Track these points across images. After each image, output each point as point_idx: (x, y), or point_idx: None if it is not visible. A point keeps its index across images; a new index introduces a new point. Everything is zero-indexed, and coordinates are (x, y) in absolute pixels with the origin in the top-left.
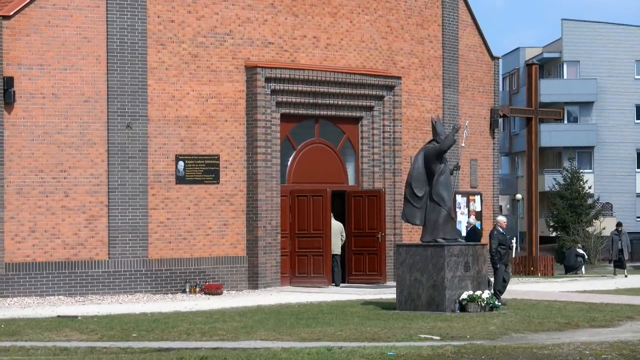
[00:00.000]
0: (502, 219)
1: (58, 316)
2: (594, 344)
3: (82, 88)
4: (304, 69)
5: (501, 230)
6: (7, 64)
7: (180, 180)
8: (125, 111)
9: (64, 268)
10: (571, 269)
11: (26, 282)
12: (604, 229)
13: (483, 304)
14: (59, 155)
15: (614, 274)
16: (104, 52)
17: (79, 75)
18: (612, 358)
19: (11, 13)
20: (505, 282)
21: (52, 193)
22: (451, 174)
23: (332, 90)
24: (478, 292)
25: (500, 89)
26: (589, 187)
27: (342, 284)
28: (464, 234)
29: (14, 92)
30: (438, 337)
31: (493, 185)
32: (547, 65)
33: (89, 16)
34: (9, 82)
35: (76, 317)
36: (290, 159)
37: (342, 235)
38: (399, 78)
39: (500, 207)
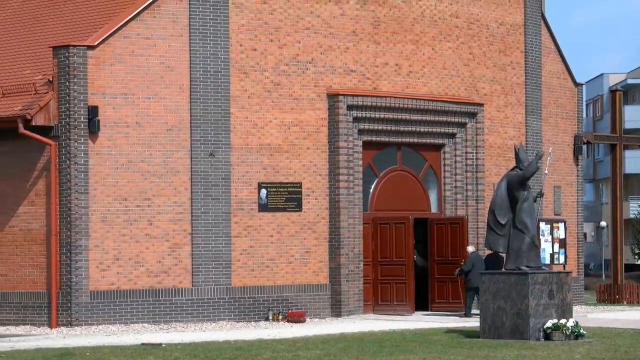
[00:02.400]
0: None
1: (142, 344)
2: None
3: (166, 117)
4: (386, 97)
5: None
6: (92, 93)
7: (263, 208)
8: (208, 139)
9: (148, 296)
10: None
11: (111, 310)
12: None
13: (568, 333)
14: (142, 183)
15: None
16: (187, 81)
17: (162, 104)
18: None
19: (96, 43)
20: None
21: (136, 221)
22: (535, 201)
23: (414, 117)
24: (563, 321)
25: (584, 115)
26: None
27: (423, 312)
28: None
29: (98, 121)
30: None
31: (577, 213)
32: (631, 91)
33: (172, 45)
34: (93, 111)
35: (160, 344)
36: (373, 186)
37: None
38: (481, 105)
39: (585, 234)
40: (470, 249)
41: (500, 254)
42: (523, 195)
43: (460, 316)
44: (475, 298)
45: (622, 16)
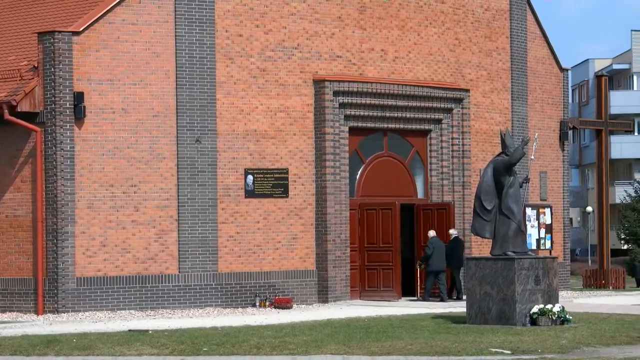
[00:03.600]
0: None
1: (129, 330)
2: None
3: (152, 103)
4: (372, 82)
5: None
6: (77, 79)
7: (250, 194)
8: (195, 125)
9: (135, 282)
10: None
11: (97, 297)
12: None
13: (554, 318)
14: (129, 169)
15: None
16: (173, 67)
17: (148, 90)
18: None
19: (81, 29)
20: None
21: (123, 207)
22: (521, 186)
23: (401, 103)
24: (549, 306)
25: (570, 100)
26: None
27: (410, 298)
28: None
29: (84, 107)
30: (509, 352)
31: (563, 198)
32: (616, 77)
33: (157, 31)
34: (79, 97)
35: (147, 331)
36: (359, 172)
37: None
38: (467, 91)
39: (571, 219)
40: (432, 233)
41: (460, 239)
42: (509, 180)
43: (419, 300)
44: (437, 281)
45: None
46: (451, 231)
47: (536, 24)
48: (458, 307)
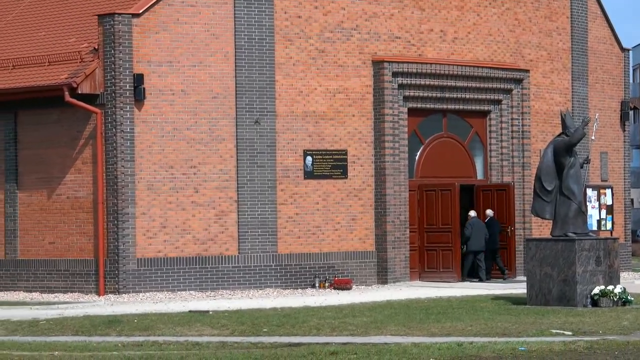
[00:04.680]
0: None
1: (189, 311)
2: None
3: (211, 84)
4: (431, 63)
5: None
6: (137, 61)
7: (309, 175)
8: (254, 107)
9: (195, 263)
10: None
11: (158, 278)
12: None
13: (615, 299)
14: (188, 151)
15: None
16: (232, 49)
17: (207, 71)
18: None
19: (140, 11)
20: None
21: (182, 189)
22: (581, 167)
23: (460, 84)
24: (610, 287)
25: (631, 80)
26: None
27: (470, 279)
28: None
29: (144, 89)
30: (570, 333)
31: (624, 179)
32: None
33: (216, 13)
34: (139, 79)
35: (207, 312)
36: (418, 153)
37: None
38: (527, 71)
39: (632, 200)
40: (472, 213)
41: (495, 220)
42: (569, 161)
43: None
44: (477, 262)
45: None
46: (488, 211)
47: (597, 3)
48: (518, 288)
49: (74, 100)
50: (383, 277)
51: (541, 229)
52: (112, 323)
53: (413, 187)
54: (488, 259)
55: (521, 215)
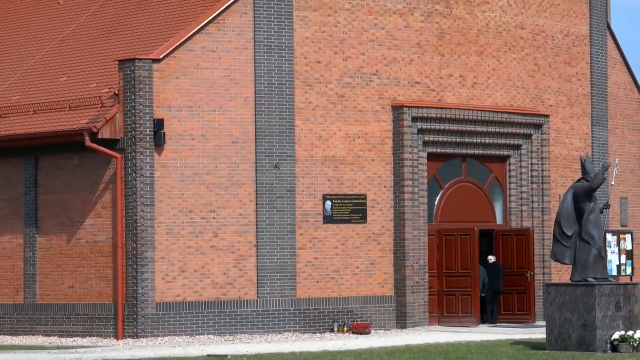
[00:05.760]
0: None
1: (208, 355)
2: None
3: (231, 129)
4: (450, 108)
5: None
6: (157, 106)
7: (328, 219)
8: (273, 151)
9: (214, 307)
10: None
11: (176, 322)
12: None
13: (635, 344)
14: (207, 195)
15: None
16: (252, 94)
17: (227, 116)
18: None
19: (161, 56)
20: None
21: (202, 233)
22: (601, 212)
23: (479, 129)
24: (630, 332)
25: None
26: None
27: (489, 324)
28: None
29: (164, 133)
30: None
31: None
32: None
33: (237, 58)
34: (159, 124)
35: (226, 356)
36: (438, 198)
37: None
38: (546, 116)
39: None
40: (491, 258)
41: (498, 265)
42: (589, 206)
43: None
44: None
45: None
46: (490, 257)
47: (617, 49)
48: (537, 333)
49: (95, 145)
50: (402, 321)
51: (560, 273)
52: None
53: (432, 232)
54: (489, 302)
55: (541, 260)
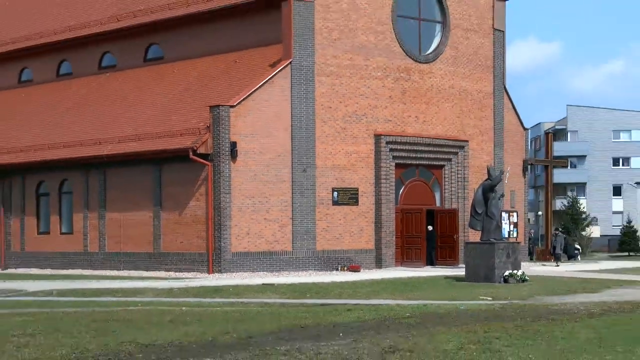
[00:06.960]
0: None
1: (263, 284)
2: (586, 303)
3: (276, 148)
4: (409, 136)
5: None
6: (232, 133)
7: (335, 203)
8: (302, 162)
9: (266, 255)
10: (571, 257)
11: (244, 264)
12: (591, 233)
13: (518, 278)
14: (262, 188)
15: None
16: (289, 126)
17: (274, 139)
18: (596, 310)
19: (235, 103)
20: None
21: (259, 211)
22: (499, 199)
23: (426, 149)
24: (515, 271)
25: (529, 148)
26: (583, 207)
27: (431, 266)
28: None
29: (236, 150)
30: (491, 298)
31: (524, 207)
32: (558, 133)
33: (280, 104)
34: (233, 144)
35: (273, 284)
36: (401, 190)
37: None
38: (467, 141)
39: (529, 219)
40: (430, 228)
41: (433, 231)
42: (492, 196)
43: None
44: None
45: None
46: (429, 227)
47: (509, 100)
48: (460, 272)
49: (195, 157)
50: (379, 264)
51: (475, 236)
52: (216, 291)
53: (398, 211)
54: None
55: (462, 228)
